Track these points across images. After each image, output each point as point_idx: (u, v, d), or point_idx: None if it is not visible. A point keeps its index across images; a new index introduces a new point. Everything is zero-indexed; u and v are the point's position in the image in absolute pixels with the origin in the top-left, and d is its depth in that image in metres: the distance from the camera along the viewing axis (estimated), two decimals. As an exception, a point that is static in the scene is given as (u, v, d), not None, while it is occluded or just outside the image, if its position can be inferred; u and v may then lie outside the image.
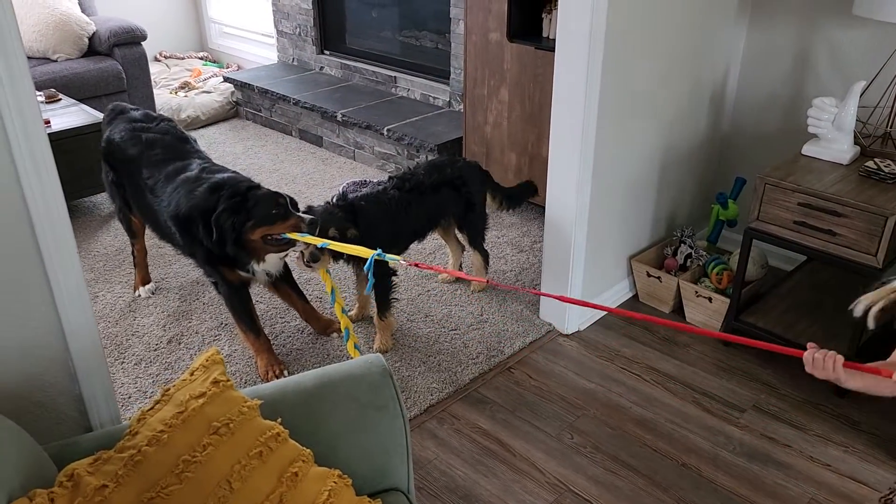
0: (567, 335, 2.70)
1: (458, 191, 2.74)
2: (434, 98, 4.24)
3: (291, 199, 2.28)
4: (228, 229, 2.19)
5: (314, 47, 4.85)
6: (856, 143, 2.44)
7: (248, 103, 4.83)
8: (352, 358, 2.15)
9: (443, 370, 2.49)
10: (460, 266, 3.07)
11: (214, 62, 5.73)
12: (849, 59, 2.65)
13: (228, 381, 1.24)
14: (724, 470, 2.08)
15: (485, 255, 2.93)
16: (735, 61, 2.94)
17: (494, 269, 3.10)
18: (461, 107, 3.80)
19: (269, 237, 2.22)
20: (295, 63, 5.03)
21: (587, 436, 2.23)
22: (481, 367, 2.51)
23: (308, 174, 4.05)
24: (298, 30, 4.90)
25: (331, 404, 1.39)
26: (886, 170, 2.27)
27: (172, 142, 2.61)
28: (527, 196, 3.06)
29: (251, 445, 1.14)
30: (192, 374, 1.24)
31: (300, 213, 2.24)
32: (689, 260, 2.81)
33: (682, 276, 2.75)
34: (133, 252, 2.91)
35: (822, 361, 1.18)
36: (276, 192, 2.25)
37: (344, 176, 4.01)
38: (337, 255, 2.46)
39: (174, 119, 4.66)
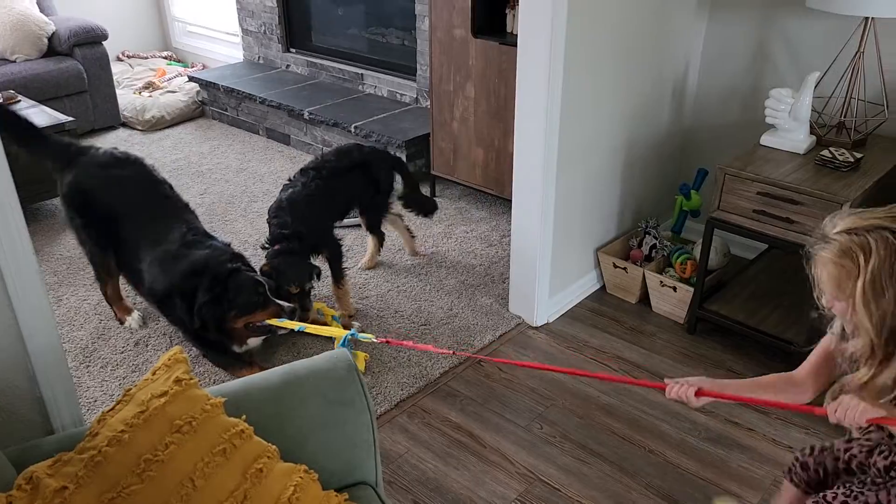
0: (536, 327, 2.72)
1: (367, 173, 2.88)
2: (401, 95, 4.24)
3: (269, 283, 2.37)
4: (211, 320, 2.27)
5: (280, 45, 4.82)
6: (812, 132, 2.50)
7: (214, 103, 4.79)
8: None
9: (413, 365, 2.50)
10: (380, 246, 3.12)
11: (179, 61, 5.66)
12: (804, 51, 2.71)
13: (192, 379, 1.23)
14: (689, 455, 2.12)
15: (381, 238, 3.08)
16: (695, 55, 2.99)
17: (464, 263, 3.12)
18: (428, 103, 3.81)
19: (251, 324, 2.32)
20: (261, 61, 4.99)
21: (556, 425, 2.25)
22: (451, 360, 2.53)
23: (275, 173, 4.03)
24: (264, 28, 4.86)
25: (297, 401, 1.39)
26: (841, 158, 2.33)
27: (149, 189, 2.59)
28: (424, 210, 3.20)
29: (214, 443, 1.14)
30: (154, 374, 1.23)
31: (279, 303, 2.32)
32: (653, 250, 2.85)
33: (648, 267, 2.79)
34: (105, 292, 2.69)
35: (676, 391, 1.41)
36: (257, 280, 2.31)
37: (312, 174, 4.00)
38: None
39: (139, 122, 4.62)
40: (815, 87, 2.43)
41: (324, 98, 4.30)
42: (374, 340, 1.75)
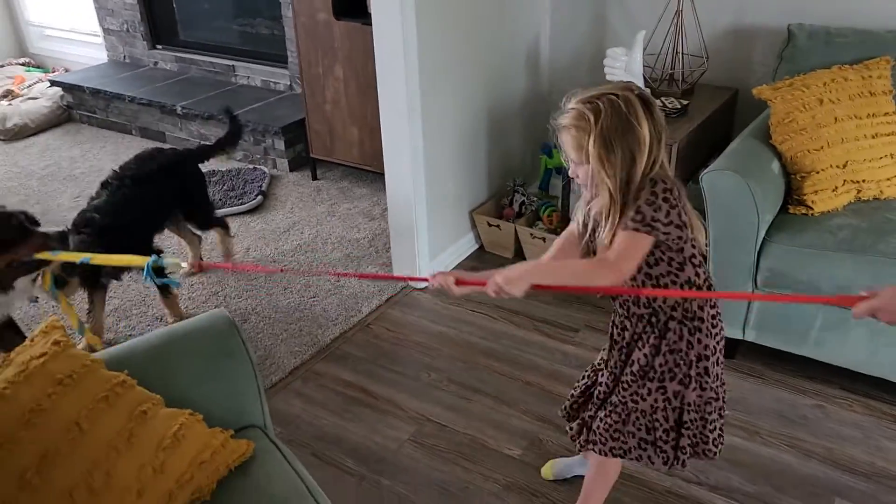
0: (421, 289, 2.88)
1: (179, 175, 2.72)
2: (275, 83, 4.29)
3: (27, 214, 2.04)
4: None
5: (145, 42, 4.74)
6: (647, 85, 2.78)
7: (81, 106, 4.65)
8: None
9: (304, 335, 2.61)
10: (200, 256, 3.02)
11: (38, 67, 5.43)
12: (636, 13, 2.99)
13: (69, 341, 1.30)
14: (560, 381, 2.34)
15: (224, 226, 2.97)
16: (545, 25, 3.23)
17: (349, 238, 3.24)
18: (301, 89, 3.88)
19: (14, 263, 1.97)
20: (127, 60, 4.88)
21: (442, 372, 2.42)
22: (341, 327, 2.65)
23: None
24: (126, 26, 4.76)
25: (179, 356, 1.47)
26: (669, 106, 2.61)
27: None
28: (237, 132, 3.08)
29: (97, 391, 1.22)
30: (32, 341, 1.29)
31: (44, 230, 2.01)
32: (523, 207, 3.07)
33: (518, 222, 3.01)
34: None
35: (438, 281, 1.45)
36: (8, 213, 1.99)
37: (191, 168, 3.99)
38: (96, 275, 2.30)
39: (-1, 128, 4.42)
40: (647, 44, 2.70)
41: (196, 92, 4.28)
42: (183, 265, 1.69)
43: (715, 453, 1.60)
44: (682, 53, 2.78)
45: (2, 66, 5.31)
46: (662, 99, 2.66)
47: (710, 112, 2.66)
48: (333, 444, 2.15)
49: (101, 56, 5.06)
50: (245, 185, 3.66)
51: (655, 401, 1.55)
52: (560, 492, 1.96)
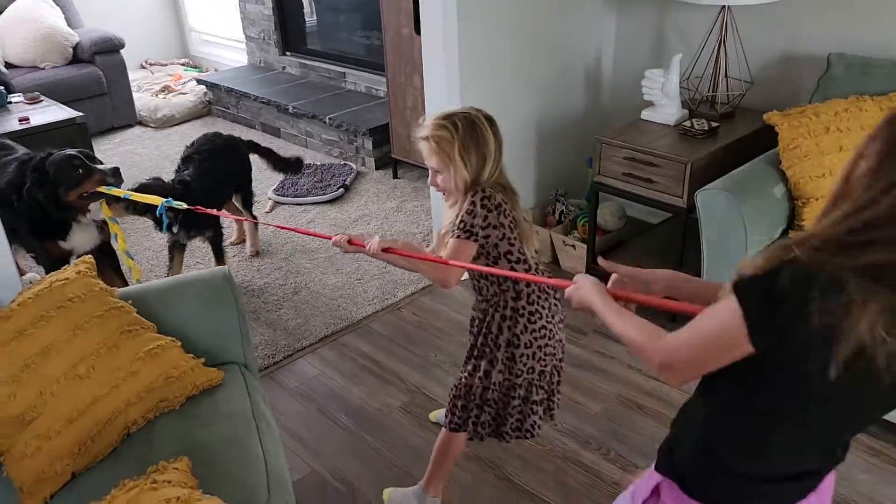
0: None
1: (238, 153, 3.22)
2: (376, 90, 4.72)
3: (86, 153, 2.47)
4: (46, 201, 2.40)
5: (277, 49, 5.36)
6: (686, 107, 2.86)
7: (218, 102, 5.36)
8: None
9: (341, 310, 2.96)
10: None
11: (195, 67, 6.28)
12: (692, 36, 3.06)
13: (92, 272, 1.71)
14: (549, 375, 2.51)
15: (255, 219, 3.43)
16: (608, 44, 3.37)
17: (407, 232, 3.55)
18: (393, 95, 4.26)
19: (84, 194, 2.44)
20: (261, 64, 5.55)
21: (449, 354, 2.67)
22: (375, 307, 2.97)
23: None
24: (263, 34, 5.41)
25: (180, 297, 1.86)
26: (697, 127, 2.68)
27: None
28: (295, 168, 3.60)
29: (96, 310, 1.61)
30: (65, 270, 1.72)
31: (100, 167, 2.43)
32: (562, 216, 3.23)
33: (554, 229, 3.18)
34: None
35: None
36: (71, 154, 2.40)
37: (294, 161, 4.50)
38: (143, 209, 2.58)
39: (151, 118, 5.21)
40: (692, 67, 2.79)
41: (309, 94, 4.81)
42: (185, 207, 2.11)
43: (509, 439, 1.79)
44: (725, 77, 2.83)
45: (165, 65, 6.21)
46: (693, 120, 2.73)
47: (741, 135, 2.69)
48: (336, 401, 2.47)
49: (243, 60, 5.78)
50: (332, 179, 4.10)
51: (471, 376, 1.77)
52: (512, 465, 2.14)
